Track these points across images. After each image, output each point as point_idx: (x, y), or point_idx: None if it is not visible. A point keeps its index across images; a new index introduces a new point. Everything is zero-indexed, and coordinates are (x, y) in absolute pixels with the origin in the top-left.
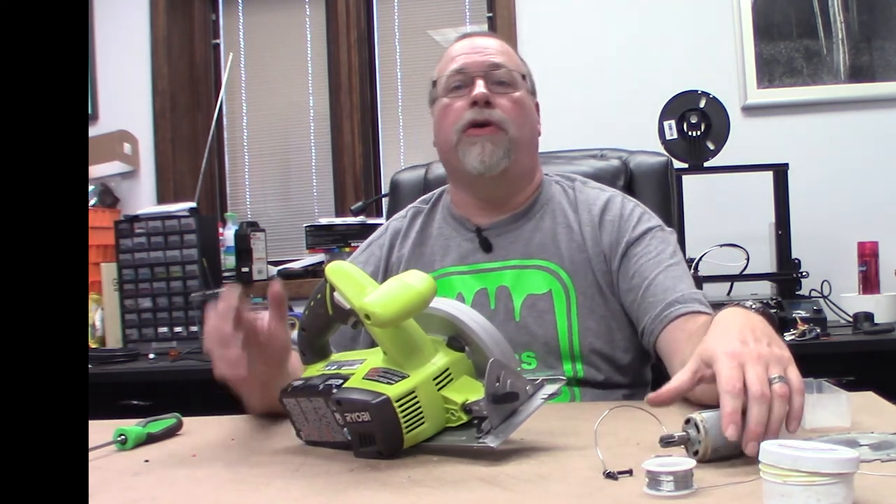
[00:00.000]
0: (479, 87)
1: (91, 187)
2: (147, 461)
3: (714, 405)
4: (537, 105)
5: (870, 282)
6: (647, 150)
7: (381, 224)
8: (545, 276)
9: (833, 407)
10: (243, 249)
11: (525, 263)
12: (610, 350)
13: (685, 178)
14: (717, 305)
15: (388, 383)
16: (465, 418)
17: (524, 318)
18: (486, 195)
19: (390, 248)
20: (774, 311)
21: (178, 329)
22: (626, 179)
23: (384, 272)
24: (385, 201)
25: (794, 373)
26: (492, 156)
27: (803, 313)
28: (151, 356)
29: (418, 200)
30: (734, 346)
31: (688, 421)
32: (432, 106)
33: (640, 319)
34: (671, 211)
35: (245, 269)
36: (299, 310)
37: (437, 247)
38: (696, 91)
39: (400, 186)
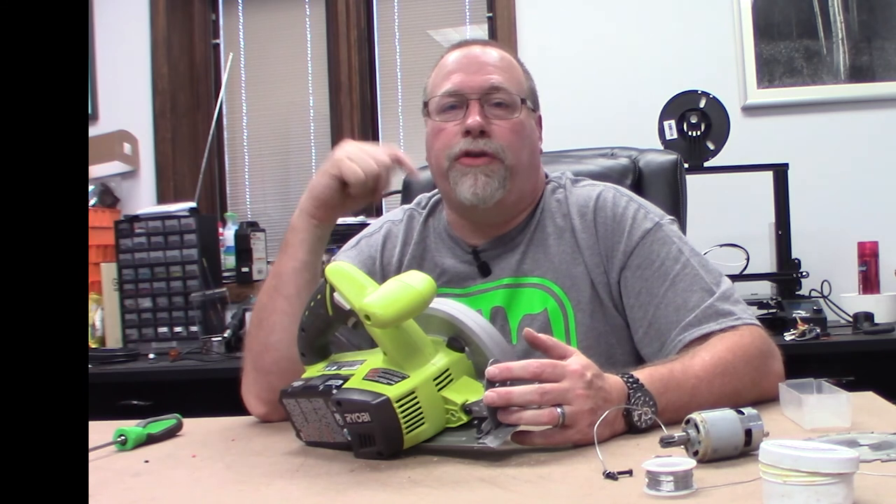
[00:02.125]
0: (474, 115)
1: (91, 187)
2: (147, 462)
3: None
4: (539, 118)
5: (870, 282)
6: (657, 149)
7: None
8: (540, 294)
9: (833, 407)
10: (243, 249)
11: (518, 282)
12: (611, 368)
13: (685, 178)
14: None
15: (388, 384)
16: (465, 419)
17: (521, 340)
18: (480, 220)
19: (383, 248)
20: (774, 311)
21: (178, 329)
22: (635, 178)
23: (379, 272)
24: (384, 201)
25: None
26: (485, 188)
27: (803, 313)
28: (151, 356)
29: (414, 202)
30: (584, 377)
31: (688, 421)
32: (425, 118)
33: (653, 342)
34: (680, 210)
35: (245, 269)
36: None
37: (434, 265)
38: (696, 91)
39: (412, 185)
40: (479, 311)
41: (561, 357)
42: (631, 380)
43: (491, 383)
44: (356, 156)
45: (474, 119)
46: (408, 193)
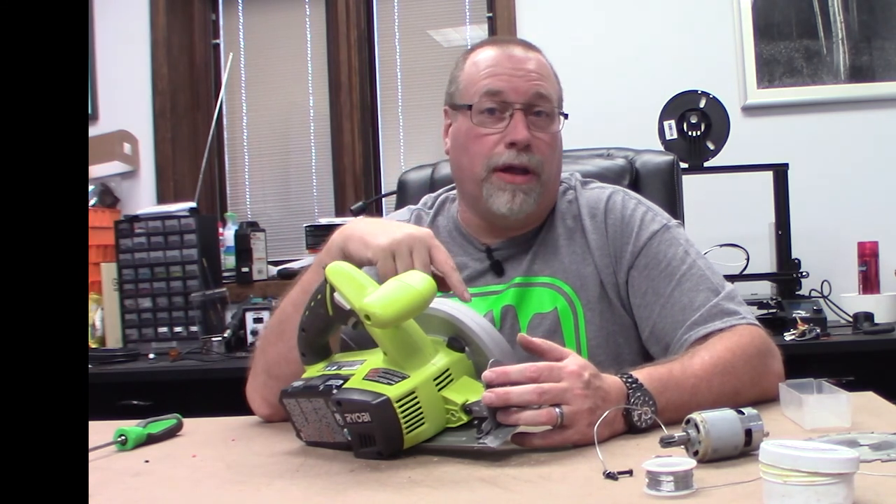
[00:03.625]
0: (521, 129)
1: (91, 187)
2: (147, 462)
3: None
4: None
5: (870, 282)
6: (654, 150)
7: None
8: (550, 294)
9: (833, 407)
10: (243, 249)
11: (528, 281)
12: (618, 367)
13: (685, 178)
14: None
15: (389, 384)
16: (465, 419)
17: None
18: (502, 225)
19: None
20: (774, 311)
21: (178, 329)
22: (632, 179)
23: None
24: (384, 201)
25: (575, 420)
26: (522, 205)
27: (803, 313)
28: (151, 356)
29: (420, 203)
30: (582, 377)
31: (688, 421)
32: (451, 110)
33: (659, 341)
34: (677, 210)
35: (245, 269)
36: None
37: None
38: (696, 91)
39: (407, 186)
40: (489, 311)
41: (558, 359)
42: (630, 379)
43: (489, 385)
44: (403, 258)
45: (522, 133)
46: (403, 194)
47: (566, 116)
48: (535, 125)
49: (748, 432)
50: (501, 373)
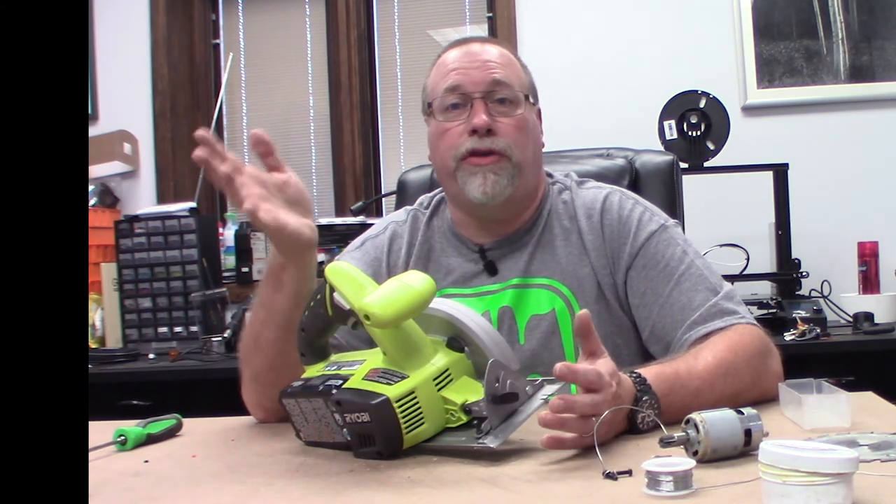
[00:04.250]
0: (480, 114)
1: (91, 187)
2: (147, 462)
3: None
4: (539, 112)
5: (870, 282)
6: (654, 150)
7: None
8: (547, 295)
9: (833, 407)
10: (243, 249)
11: (526, 282)
12: (618, 367)
13: (685, 178)
14: None
15: (388, 384)
16: (464, 419)
17: (528, 340)
18: (488, 218)
19: (389, 250)
20: (774, 311)
21: (178, 329)
22: (632, 178)
23: (385, 273)
24: (384, 201)
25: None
26: (494, 186)
27: (803, 313)
28: (151, 356)
29: (416, 203)
30: (612, 387)
31: (687, 421)
32: (426, 117)
33: (659, 340)
34: (677, 210)
35: (245, 269)
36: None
37: (440, 265)
38: (696, 91)
39: (407, 186)
40: (486, 312)
41: (591, 353)
42: (638, 380)
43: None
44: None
45: (480, 118)
46: (403, 193)
47: (528, 99)
48: (498, 111)
49: (748, 432)
50: (570, 403)
